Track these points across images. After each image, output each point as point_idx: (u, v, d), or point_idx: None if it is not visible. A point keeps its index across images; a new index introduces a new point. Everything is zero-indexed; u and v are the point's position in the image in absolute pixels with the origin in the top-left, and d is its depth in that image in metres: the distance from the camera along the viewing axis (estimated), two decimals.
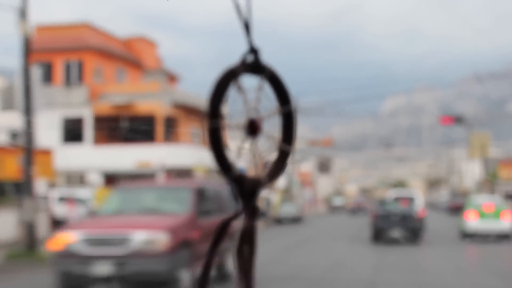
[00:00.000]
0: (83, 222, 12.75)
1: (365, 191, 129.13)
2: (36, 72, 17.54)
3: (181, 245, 10.57)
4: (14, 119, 21.51)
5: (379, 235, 24.35)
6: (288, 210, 43.94)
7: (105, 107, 34.71)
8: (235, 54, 0.88)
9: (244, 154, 0.84)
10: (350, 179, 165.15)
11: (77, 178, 33.65)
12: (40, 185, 24.18)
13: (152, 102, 34.21)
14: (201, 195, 11.98)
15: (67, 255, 10.27)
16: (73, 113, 34.95)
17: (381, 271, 15.53)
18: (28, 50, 17.09)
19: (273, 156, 0.88)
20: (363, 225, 33.85)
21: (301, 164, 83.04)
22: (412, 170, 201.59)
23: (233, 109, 0.82)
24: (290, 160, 0.89)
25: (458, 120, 46.72)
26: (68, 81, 35.88)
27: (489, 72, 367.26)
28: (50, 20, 40.81)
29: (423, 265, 17.25)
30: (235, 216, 0.83)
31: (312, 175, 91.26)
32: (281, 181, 59.60)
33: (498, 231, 26.26)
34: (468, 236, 26.33)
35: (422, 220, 24.70)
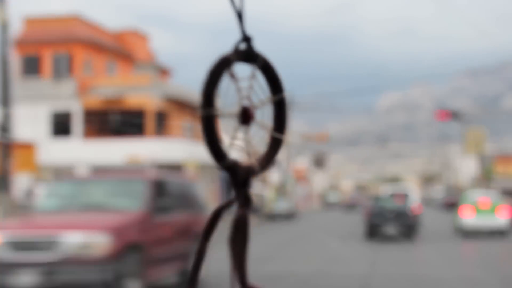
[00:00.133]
0: (10, 221, 11.05)
1: (360, 188, 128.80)
2: (16, 63, 16.83)
3: (129, 249, 8.88)
4: None
5: (373, 232, 23.84)
6: (281, 206, 43.37)
7: (94, 101, 34.03)
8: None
9: (237, 143, 0.83)
10: (346, 175, 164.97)
11: (65, 173, 32.92)
12: (22, 180, 23.51)
13: (143, 95, 33.54)
14: (159, 189, 10.36)
15: None
16: (62, 106, 34.27)
17: (375, 268, 15.00)
18: (6, 39, 16.39)
19: (265, 144, 0.87)
20: (357, 221, 33.34)
21: (296, 160, 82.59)
22: (407, 166, 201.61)
23: (226, 97, 0.82)
24: (282, 149, 0.86)
25: (454, 115, 46.23)
26: (56, 74, 35.17)
27: (484, 68, 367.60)
28: (44, 12, 40.36)
29: (418, 262, 16.88)
30: (228, 204, 0.82)
31: (307, 171, 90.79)
32: (275, 177, 59.18)
33: (494, 227, 25.81)
34: (464, 233, 25.88)
35: (417, 216, 24.20)
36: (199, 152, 34.56)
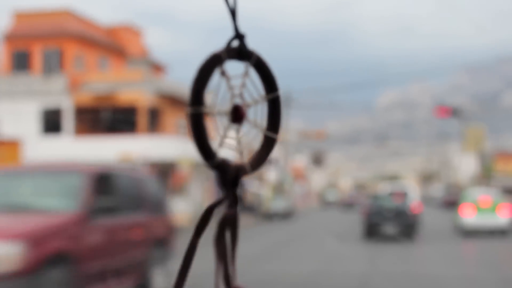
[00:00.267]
0: None
1: (359, 186, 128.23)
2: (5, 58, 16.02)
3: (51, 262, 7.16)
4: None
5: (372, 232, 23.12)
6: (279, 205, 42.63)
7: (85, 97, 33.20)
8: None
9: (227, 141, 0.83)
10: (345, 173, 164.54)
11: None
12: None
13: (135, 91, 32.72)
14: (102, 185, 8.66)
15: None
16: (52, 102, 33.45)
17: (374, 268, 14.29)
18: None
19: (258, 143, 0.87)
20: (355, 221, 32.65)
21: (294, 158, 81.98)
22: (406, 164, 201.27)
23: (217, 95, 0.81)
24: (276, 148, 0.79)
25: (454, 112, 45.45)
26: (47, 70, 34.34)
27: (482, 66, 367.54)
28: (37, 6, 39.29)
29: (418, 262, 16.38)
30: (219, 203, 0.81)
31: (306, 169, 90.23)
32: (272, 176, 58.51)
33: (495, 226, 25.22)
34: (464, 232, 25.28)
35: (417, 215, 23.49)
36: (193, 150, 33.77)
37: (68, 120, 33.50)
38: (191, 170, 34.16)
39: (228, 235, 0.83)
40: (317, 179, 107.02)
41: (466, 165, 77.17)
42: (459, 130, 62.88)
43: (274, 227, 32.74)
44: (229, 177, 0.81)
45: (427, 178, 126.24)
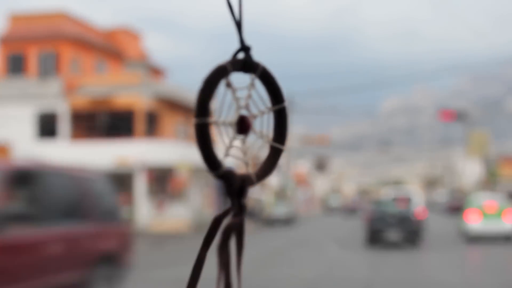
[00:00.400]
0: None
1: (363, 192, 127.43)
2: (0, 62, 15.36)
3: None
4: None
5: (374, 238, 22.35)
6: (280, 211, 41.92)
7: (81, 100, 32.53)
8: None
9: (233, 152, 0.84)
10: (348, 179, 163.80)
11: None
12: None
13: (132, 95, 32.04)
14: (20, 186, 7.15)
15: None
16: (48, 106, 32.79)
17: (376, 277, 13.56)
18: None
19: (264, 154, 0.89)
20: (358, 227, 31.91)
21: (297, 163, 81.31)
22: (409, 170, 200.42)
23: (223, 107, 0.82)
24: (281, 159, 0.87)
25: (459, 115, 44.70)
26: (42, 73, 33.70)
27: (484, 71, 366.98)
28: (35, 8, 38.65)
29: (422, 270, 15.67)
30: (225, 214, 0.82)
31: (309, 175, 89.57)
32: (274, 181, 57.81)
33: (502, 232, 24.54)
34: (470, 238, 24.57)
35: (421, 221, 22.73)
36: (192, 154, 33.14)
37: (64, 124, 32.84)
38: (190, 175, 33.47)
39: (234, 244, 0.82)
40: (320, 185, 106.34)
41: (470, 170, 76.47)
42: (462, 135, 62.22)
43: (275, 233, 32.01)
44: (234, 187, 0.81)
45: (430, 184, 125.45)
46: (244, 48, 0.84)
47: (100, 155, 31.33)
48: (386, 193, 31.27)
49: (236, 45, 0.84)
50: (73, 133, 32.99)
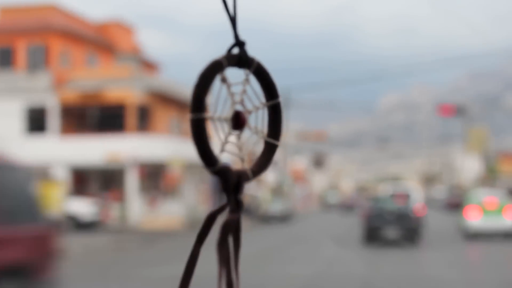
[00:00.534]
0: None
1: (361, 189, 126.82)
2: None
3: None
4: None
5: (372, 236, 21.61)
6: (276, 208, 41.21)
7: (71, 94, 31.71)
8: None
9: (229, 148, 0.85)
10: (346, 175, 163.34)
11: (41, 173, 30.64)
12: None
13: (123, 88, 31.22)
14: None
15: None
16: (37, 100, 31.98)
17: (373, 279, 12.86)
18: None
19: (259, 149, 0.90)
20: (355, 224, 31.23)
21: (294, 160, 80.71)
22: (408, 166, 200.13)
23: (218, 102, 0.83)
24: (277, 155, 0.83)
25: (458, 110, 43.95)
26: (31, 66, 32.88)
27: (483, 69, 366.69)
28: (22, 0, 37.32)
29: (422, 268, 15.17)
30: (221, 210, 0.82)
31: (307, 172, 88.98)
32: (271, 178, 57.13)
33: (502, 229, 23.99)
34: (470, 235, 23.99)
35: (420, 218, 22.01)
36: (185, 150, 32.39)
37: (53, 119, 32.04)
38: (183, 171, 32.71)
39: (231, 241, 0.81)
40: (318, 181, 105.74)
41: (469, 167, 75.95)
42: (461, 132, 61.67)
43: (270, 230, 31.30)
44: (230, 183, 0.82)
45: (429, 180, 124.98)
46: (239, 43, 0.84)
47: (90, 150, 30.59)
48: (384, 189, 30.59)
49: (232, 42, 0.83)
50: (63, 128, 32.19)
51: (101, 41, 37.31)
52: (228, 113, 0.83)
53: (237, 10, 0.84)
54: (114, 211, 30.35)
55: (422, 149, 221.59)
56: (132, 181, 30.78)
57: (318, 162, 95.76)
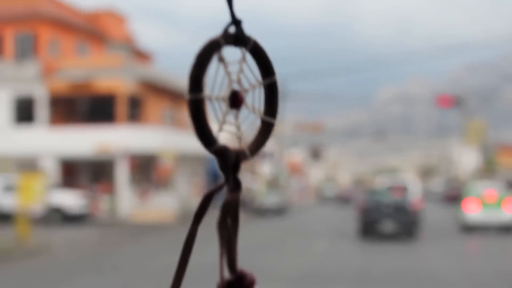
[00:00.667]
0: None
1: (358, 181, 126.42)
2: None
3: None
4: None
5: (368, 230, 20.95)
6: (271, 200, 40.55)
7: (60, 84, 30.92)
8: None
9: (226, 127, 0.85)
10: (343, 167, 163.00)
11: (29, 165, 29.92)
12: None
13: (114, 78, 30.43)
14: None
15: None
16: (25, 90, 31.19)
17: (368, 272, 12.23)
18: None
19: (256, 128, 0.90)
20: (351, 217, 30.63)
21: (291, 152, 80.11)
22: (405, 159, 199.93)
23: (215, 81, 0.83)
24: (273, 133, 0.88)
25: (457, 100, 43.21)
26: (19, 55, 32.07)
27: (481, 61, 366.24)
28: None
29: (421, 264, 14.64)
30: (218, 189, 0.82)
31: (303, 164, 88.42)
32: (266, 169, 56.50)
33: (502, 222, 23.61)
34: (468, 229, 23.52)
35: (418, 212, 21.36)
36: (178, 141, 31.67)
37: (42, 109, 31.27)
38: (176, 163, 32.01)
39: (229, 220, 0.81)
40: (315, 174, 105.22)
41: (466, 159, 75.43)
42: (459, 124, 61.14)
43: (264, 224, 30.63)
44: (229, 162, 0.81)
45: (426, 173, 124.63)
46: (235, 21, 0.83)
47: (80, 141, 29.87)
48: (381, 182, 29.94)
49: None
50: (52, 118, 31.44)
51: (92, 30, 36.48)
52: (225, 92, 0.82)
53: None
54: (103, 204, 29.65)
55: (419, 142, 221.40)
56: (122, 173, 30.06)
57: (315, 154, 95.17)
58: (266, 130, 0.86)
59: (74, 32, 34.60)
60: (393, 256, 16.33)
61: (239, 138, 0.84)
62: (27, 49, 32.01)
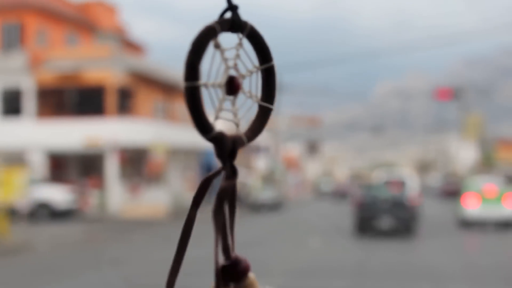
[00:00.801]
0: None
1: (355, 176, 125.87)
2: None
3: None
4: None
5: (364, 227, 20.19)
6: (266, 195, 39.81)
7: (48, 76, 30.05)
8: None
9: (223, 114, 0.86)
10: (341, 162, 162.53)
11: (16, 159, 29.09)
12: None
13: (103, 69, 29.57)
14: None
15: None
16: (11, 82, 30.32)
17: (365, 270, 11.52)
18: None
19: (253, 114, 0.91)
20: (348, 213, 29.94)
21: (287, 146, 79.43)
22: (403, 154, 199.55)
23: (211, 68, 0.82)
24: (270, 118, 0.89)
25: (456, 93, 42.42)
26: (6, 46, 31.18)
27: (479, 56, 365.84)
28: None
29: (420, 260, 14.08)
30: (216, 174, 0.83)
31: (300, 159, 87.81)
32: (261, 164, 55.77)
33: (502, 218, 23.35)
34: (468, 224, 23.02)
35: (416, 207, 20.62)
36: (170, 134, 30.88)
37: (29, 101, 30.43)
38: (168, 157, 31.20)
39: (226, 207, 0.82)
40: (312, 169, 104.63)
41: (465, 154, 74.86)
42: (457, 118, 60.51)
43: (258, 219, 29.89)
44: (226, 149, 0.81)
45: (423, 168, 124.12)
46: (231, 7, 0.82)
47: (68, 134, 29.04)
48: (378, 176, 29.21)
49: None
50: (39, 110, 30.61)
51: (82, 20, 35.58)
52: (222, 78, 0.81)
53: None
54: (93, 199, 28.84)
55: (416, 137, 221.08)
56: (112, 167, 29.25)
57: (312, 149, 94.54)
58: (263, 115, 0.85)
59: (63, 22, 33.71)
60: (390, 252, 15.68)
61: (236, 125, 0.83)
62: (13, 39, 31.13)
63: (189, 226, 0.82)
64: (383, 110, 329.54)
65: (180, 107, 37.69)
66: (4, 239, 17.32)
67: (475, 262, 14.34)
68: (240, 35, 0.83)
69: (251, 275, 0.82)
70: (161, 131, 30.20)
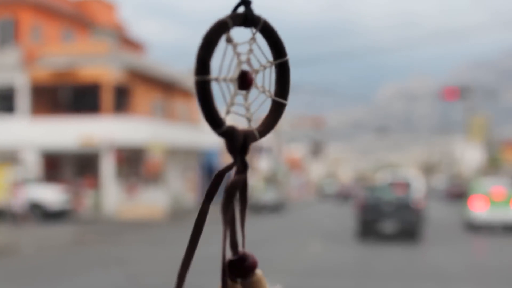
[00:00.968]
0: None
1: (359, 178, 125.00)
2: None
3: None
4: None
5: (367, 230, 19.31)
6: (268, 197, 39.00)
7: (43, 72, 29.28)
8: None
9: (235, 108, 0.84)
10: (344, 164, 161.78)
11: (10, 158, 28.31)
12: None
13: (99, 66, 28.77)
14: None
15: None
16: (5, 79, 29.56)
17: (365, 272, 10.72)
18: None
19: (266, 109, 0.89)
20: (350, 215, 29.12)
21: (291, 147, 78.71)
22: (407, 156, 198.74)
23: (224, 62, 0.82)
24: (283, 113, 0.88)
25: (462, 92, 41.53)
26: (0, 42, 30.41)
27: (483, 59, 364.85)
28: None
29: (425, 268, 13.17)
30: (228, 168, 0.82)
31: (304, 160, 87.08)
32: (264, 165, 55.00)
33: (511, 222, 22.55)
34: (475, 228, 22.68)
35: (421, 210, 19.76)
36: (169, 134, 30.10)
37: (23, 99, 29.68)
38: (166, 156, 30.40)
39: (238, 202, 0.82)
40: (316, 170, 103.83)
41: (470, 156, 74.00)
42: (462, 119, 59.76)
43: (258, 221, 29.08)
44: (237, 144, 0.81)
45: (428, 170, 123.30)
46: (245, 1, 0.81)
47: (63, 133, 28.27)
48: (382, 178, 28.34)
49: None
50: (34, 108, 29.86)
51: (79, 16, 34.80)
52: (234, 73, 0.80)
53: None
54: (87, 199, 28.05)
55: (421, 139, 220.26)
56: (108, 167, 28.45)
57: (316, 150, 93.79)
58: (276, 111, 0.84)
59: (59, 18, 32.93)
60: (395, 255, 14.92)
61: (248, 120, 0.81)
62: (8, 35, 30.36)
63: (201, 219, 0.81)
64: (387, 111, 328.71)
65: (180, 105, 36.90)
66: None
67: (483, 266, 13.76)
68: (253, 30, 0.81)
69: (259, 271, 0.81)
70: (159, 130, 29.41)
